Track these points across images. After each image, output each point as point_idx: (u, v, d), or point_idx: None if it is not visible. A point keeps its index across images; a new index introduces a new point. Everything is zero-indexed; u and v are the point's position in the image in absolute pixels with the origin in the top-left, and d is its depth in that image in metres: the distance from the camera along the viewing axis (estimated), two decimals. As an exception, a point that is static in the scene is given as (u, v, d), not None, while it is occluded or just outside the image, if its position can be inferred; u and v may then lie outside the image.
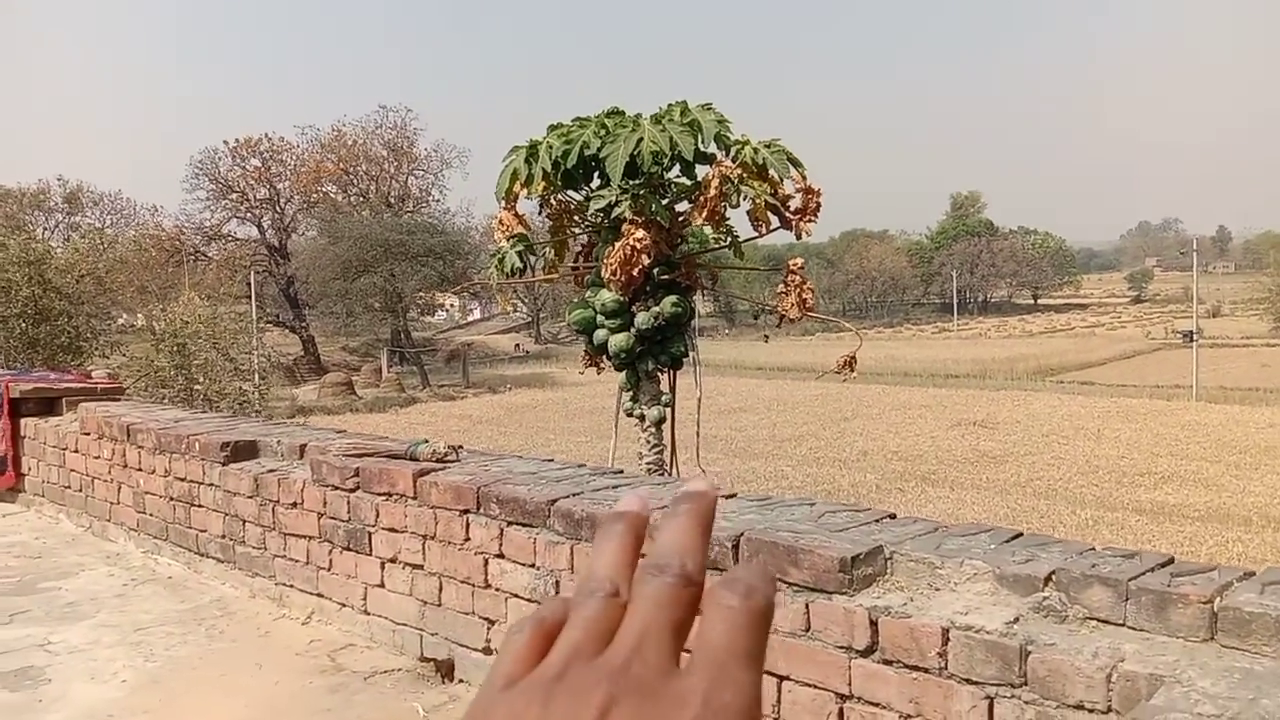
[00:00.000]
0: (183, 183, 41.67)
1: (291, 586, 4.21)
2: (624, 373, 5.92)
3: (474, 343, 51.94)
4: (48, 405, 6.37)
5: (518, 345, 55.22)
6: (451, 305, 60.79)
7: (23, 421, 6.36)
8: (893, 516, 2.94)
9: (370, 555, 3.80)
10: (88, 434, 5.66)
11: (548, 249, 6.26)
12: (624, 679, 0.32)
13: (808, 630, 2.51)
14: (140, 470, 5.18)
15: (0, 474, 6.47)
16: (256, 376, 22.59)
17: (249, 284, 37.05)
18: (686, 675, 0.33)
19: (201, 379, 18.91)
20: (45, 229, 38.92)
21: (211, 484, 4.65)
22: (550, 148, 5.51)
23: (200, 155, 40.51)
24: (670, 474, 5.75)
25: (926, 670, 2.32)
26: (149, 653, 3.92)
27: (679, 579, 0.35)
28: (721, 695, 0.32)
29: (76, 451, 5.78)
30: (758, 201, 5.47)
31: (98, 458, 5.56)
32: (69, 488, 5.89)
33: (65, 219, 42.17)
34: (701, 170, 5.59)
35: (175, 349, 18.62)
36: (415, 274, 32.57)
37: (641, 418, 5.84)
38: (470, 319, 71.55)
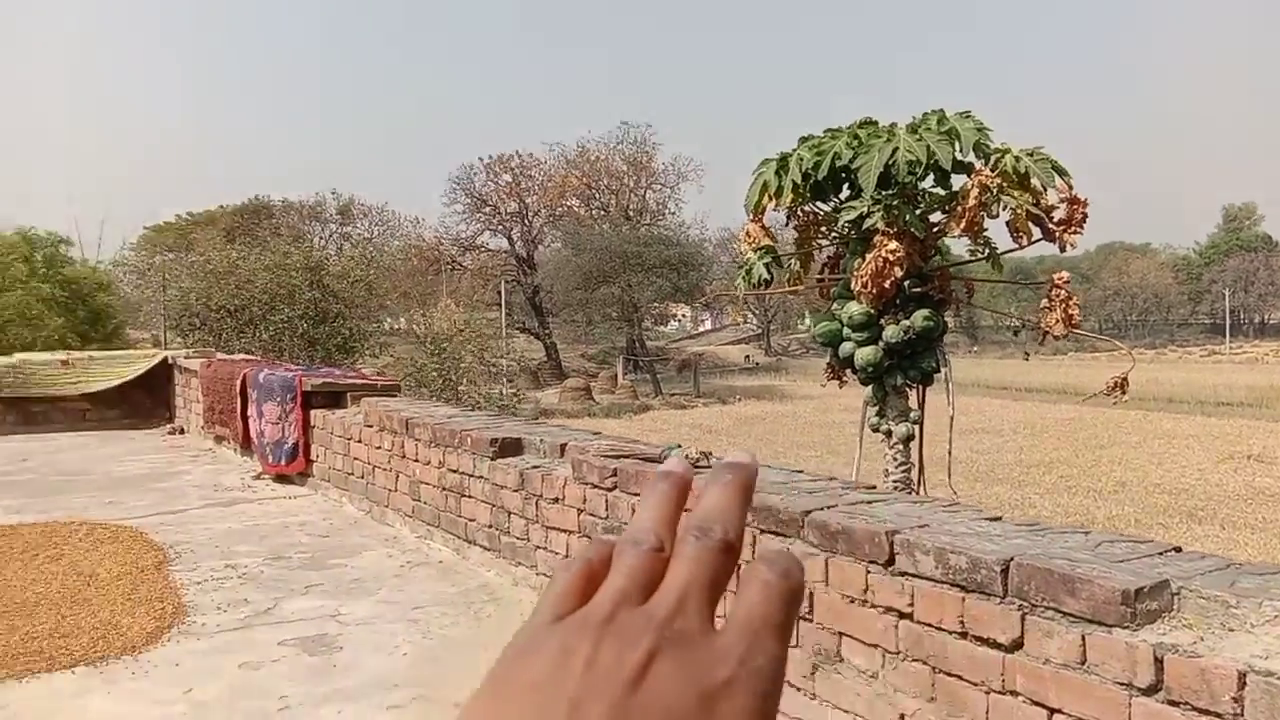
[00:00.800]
0: (441, 197, 44.91)
1: (552, 577, 4.46)
2: (870, 387, 5.84)
3: (704, 353, 52.58)
4: (334, 399, 7.06)
5: (748, 357, 55.37)
6: (683, 316, 61.86)
7: (312, 413, 7.08)
8: (1178, 550, 2.75)
9: (625, 553, 3.96)
10: (370, 426, 6.23)
11: (793, 261, 6.27)
12: (668, 630, 0.35)
13: (1083, 663, 2.39)
14: (416, 461, 5.64)
15: (292, 459, 7.23)
16: (505, 379, 23.95)
17: (499, 292, 39.38)
18: (723, 635, 0.35)
19: (461, 380, 20.25)
20: (321, 238, 43.01)
21: (480, 476, 5.00)
22: (801, 159, 5.53)
23: (458, 171, 43.49)
24: (918, 493, 5.61)
25: (1218, 715, 2.16)
26: (425, 630, 4.26)
27: (721, 543, 0.37)
28: (755, 659, 0.35)
29: (359, 442, 6.37)
30: (1018, 212, 5.25)
31: (378, 448, 6.11)
32: (352, 474, 6.50)
33: (338, 229, 46.37)
34: (958, 180, 5.44)
35: (436, 351, 20.08)
36: (650, 285, 33.44)
37: (888, 434, 5.73)
38: (701, 329, 72.49)
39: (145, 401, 10.62)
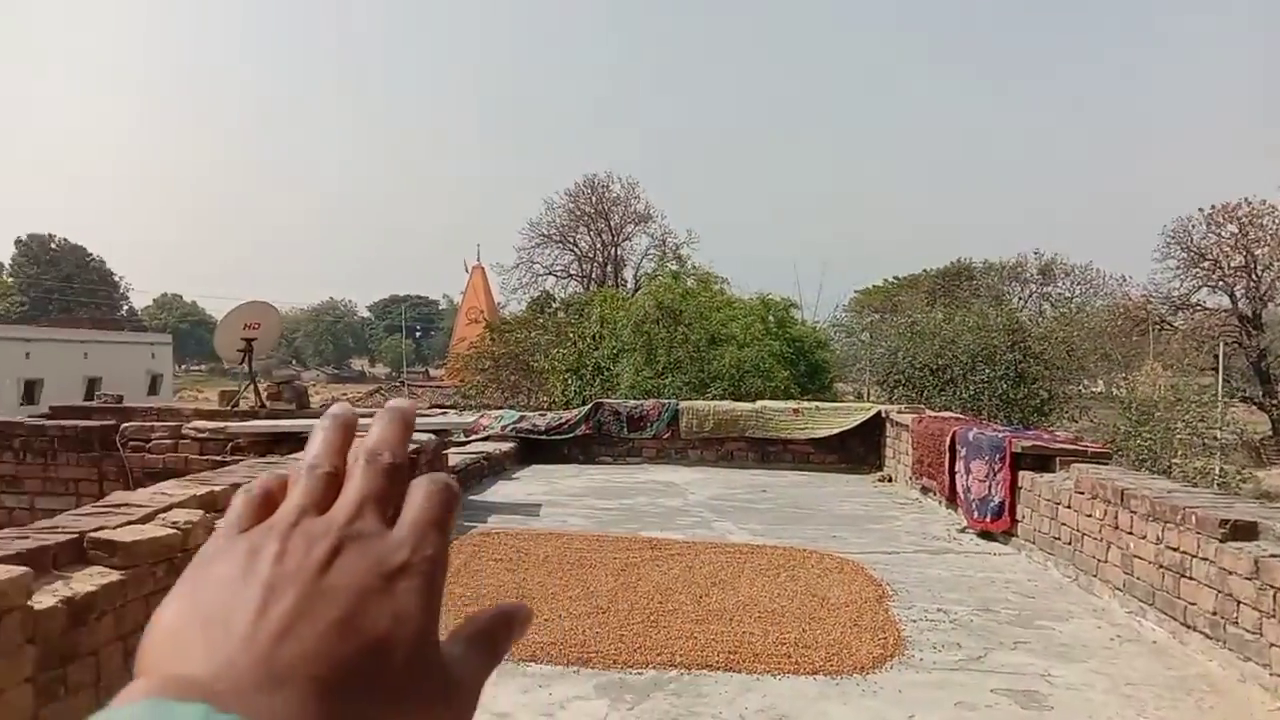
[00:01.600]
0: (1153, 252, 41.48)
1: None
2: None
3: None
4: (1041, 462, 7.13)
5: None
6: None
7: (1020, 474, 7.23)
8: None
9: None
10: (1080, 493, 6.19)
11: None
12: (349, 529, 0.40)
13: None
14: (1130, 534, 5.47)
15: (998, 517, 7.46)
16: (1221, 453, 21.25)
17: (1216, 356, 34.95)
18: (396, 532, 0.41)
19: (1175, 452, 18.58)
20: (1020, 298, 42.69)
21: (1205, 558, 4.69)
22: None
23: (1173, 225, 39.87)
24: None
25: None
26: (1140, 708, 4.16)
27: (389, 465, 0.43)
28: (424, 549, 0.41)
29: (1068, 507, 6.36)
30: None
31: (1088, 516, 6.04)
32: (1058, 539, 6.50)
33: (1038, 289, 45.50)
34: None
35: (1141, 418, 18.71)
36: None
37: None
38: None
39: (859, 449, 11.80)
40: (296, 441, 7.66)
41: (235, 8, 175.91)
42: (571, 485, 10.22)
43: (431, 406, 21.55)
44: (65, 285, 62.77)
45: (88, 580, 3.53)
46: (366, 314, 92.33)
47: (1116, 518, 5.64)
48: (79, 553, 3.70)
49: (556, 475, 10.92)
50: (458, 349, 30.70)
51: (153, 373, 37.57)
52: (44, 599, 3.25)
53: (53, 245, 66.35)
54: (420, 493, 0.43)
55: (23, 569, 3.14)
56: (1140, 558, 5.35)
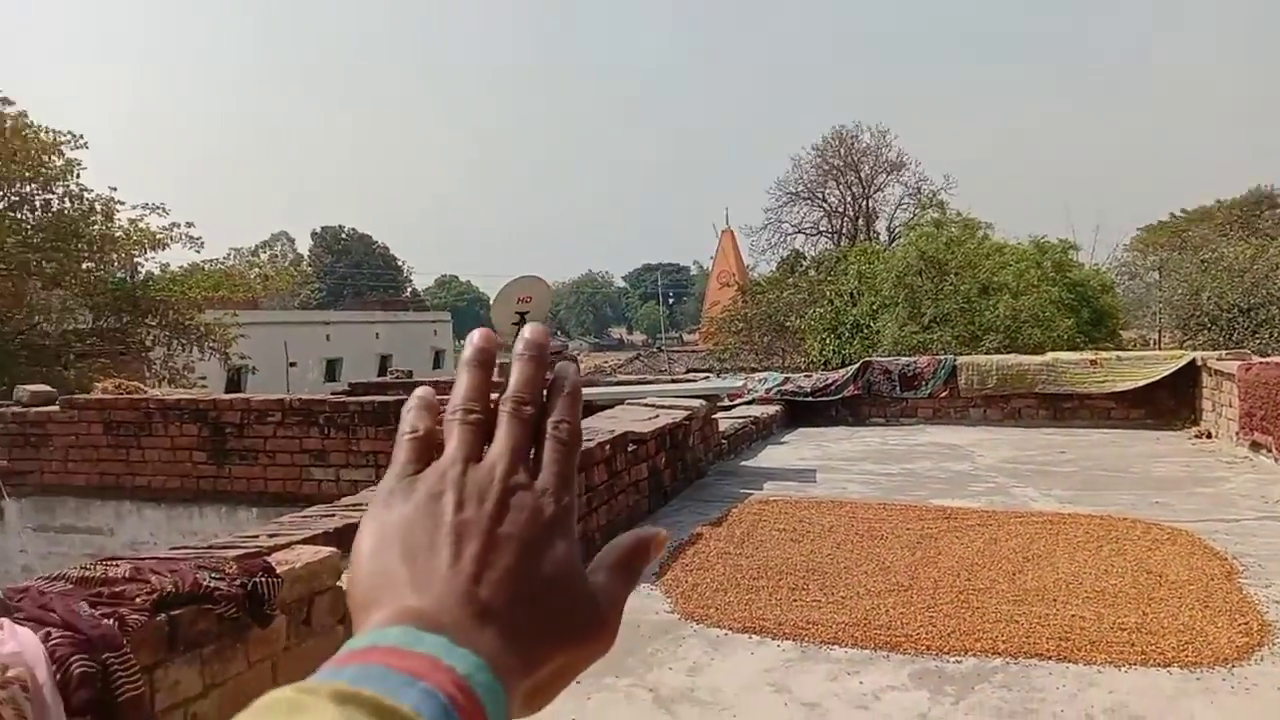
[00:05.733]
0: None
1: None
2: None
3: None
4: None
5: None
6: None
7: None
8: None
9: None
10: None
11: None
12: (509, 482, 0.46)
13: None
14: None
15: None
16: None
17: None
18: (541, 483, 0.47)
19: None
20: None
21: None
22: None
23: None
24: None
25: None
26: None
27: (530, 416, 0.48)
28: (563, 499, 0.47)
29: None
30: None
31: None
32: None
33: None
34: None
35: None
36: None
37: None
38: None
39: (1168, 402, 10.53)
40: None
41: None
42: (844, 449, 9.77)
43: (689, 371, 21.65)
44: (355, 271, 68.80)
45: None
46: (622, 284, 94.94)
47: None
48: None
49: (826, 438, 10.51)
50: (711, 313, 30.76)
51: (435, 348, 40.44)
52: (357, 577, 3.28)
53: (343, 235, 72.83)
54: (551, 447, 0.48)
55: (331, 550, 3.17)
56: None
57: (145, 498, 8.51)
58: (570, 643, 0.45)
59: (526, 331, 0.51)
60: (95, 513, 8.66)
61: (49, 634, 2.07)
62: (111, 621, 2.17)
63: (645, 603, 4.83)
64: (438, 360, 39.62)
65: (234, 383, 25.31)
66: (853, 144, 36.30)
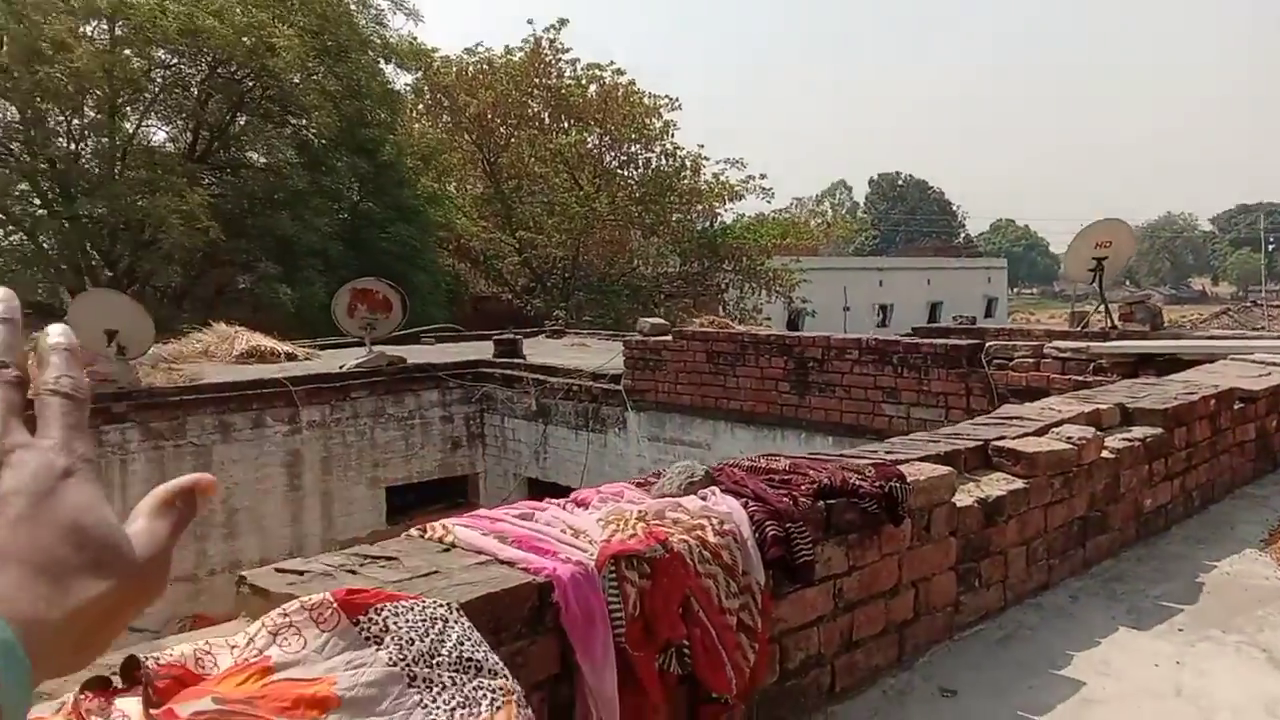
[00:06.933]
0: None
1: None
2: None
3: None
4: None
5: None
6: None
7: None
8: None
9: None
10: None
11: None
12: (4, 444, 0.48)
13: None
14: None
15: None
16: None
17: None
18: (48, 439, 0.49)
19: None
20: None
21: None
22: None
23: None
24: None
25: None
26: None
27: (15, 377, 0.50)
28: (79, 449, 0.49)
29: None
30: None
31: None
32: None
33: None
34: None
35: None
36: None
37: None
38: None
39: None
40: (1160, 363, 7.21)
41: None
42: None
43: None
44: (909, 217, 69.07)
45: (995, 485, 3.77)
46: (1208, 226, 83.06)
47: None
48: (983, 458, 3.97)
49: None
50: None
51: (988, 296, 39.31)
52: (962, 498, 3.55)
53: (899, 182, 73.43)
54: (56, 403, 0.50)
55: (947, 469, 3.46)
56: None
57: (737, 419, 9.67)
58: (102, 586, 0.46)
59: None
60: (696, 428, 10.06)
61: (746, 502, 2.64)
62: (789, 500, 2.69)
63: (1253, 567, 4.47)
64: (989, 309, 38.46)
65: (793, 324, 27.20)
66: None
